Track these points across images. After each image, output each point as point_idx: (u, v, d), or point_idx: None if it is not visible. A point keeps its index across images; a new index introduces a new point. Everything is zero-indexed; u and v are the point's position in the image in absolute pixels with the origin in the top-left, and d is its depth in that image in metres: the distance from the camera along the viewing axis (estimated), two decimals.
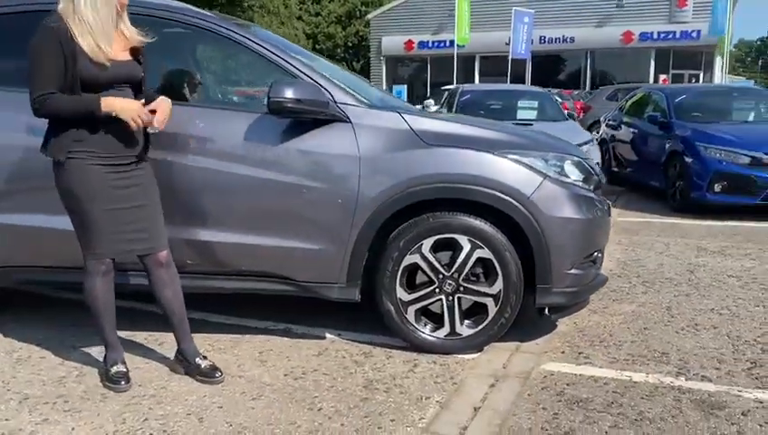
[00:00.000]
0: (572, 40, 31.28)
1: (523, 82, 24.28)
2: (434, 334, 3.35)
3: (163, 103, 2.84)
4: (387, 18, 34.67)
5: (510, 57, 23.11)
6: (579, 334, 3.69)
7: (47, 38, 2.64)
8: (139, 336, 3.54)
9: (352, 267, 3.30)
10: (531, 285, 3.31)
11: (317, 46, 38.75)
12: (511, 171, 3.23)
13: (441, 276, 3.29)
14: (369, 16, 35.40)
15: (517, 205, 3.20)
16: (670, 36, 30.21)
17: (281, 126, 3.23)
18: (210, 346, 3.45)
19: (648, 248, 5.84)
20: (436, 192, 3.23)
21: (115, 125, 2.73)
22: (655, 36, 30.40)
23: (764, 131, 7.76)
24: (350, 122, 3.25)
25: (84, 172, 2.73)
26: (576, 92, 24.64)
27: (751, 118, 8.69)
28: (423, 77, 34.49)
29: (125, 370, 2.98)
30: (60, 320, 3.77)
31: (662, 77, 30.26)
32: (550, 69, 33.29)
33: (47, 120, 2.76)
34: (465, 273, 3.28)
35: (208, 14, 3.52)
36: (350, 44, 39.24)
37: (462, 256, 3.26)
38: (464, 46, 24.37)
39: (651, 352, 3.42)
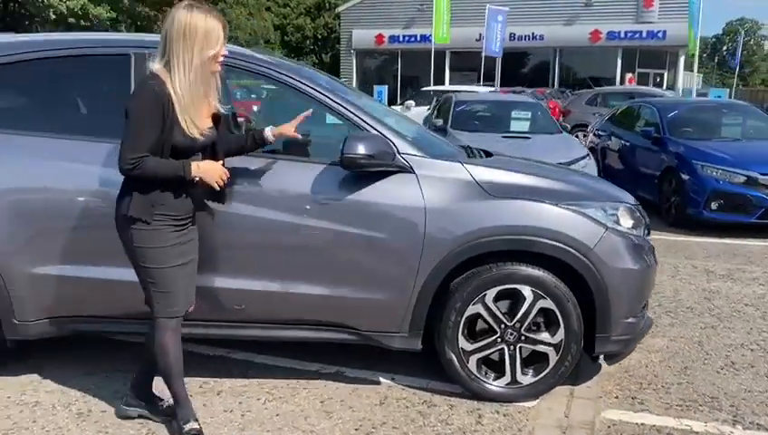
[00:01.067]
0: (541, 38, 31.62)
1: (493, 79, 24.41)
2: (495, 383, 3.38)
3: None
4: (357, 11, 34.50)
5: (483, 54, 23.28)
6: (625, 375, 3.77)
7: (153, 102, 2.60)
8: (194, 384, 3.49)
9: (415, 317, 3.31)
10: (588, 334, 3.37)
11: (285, 38, 38.37)
12: (574, 223, 3.27)
13: (503, 326, 3.32)
14: (340, 9, 35.14)
15: (580, 256, 3.25)
16: (637, 36, 30.79)
17: (345, 177, 3.21)
18: (269, 393, 3.43)
19: (659, 271, 5.95)
20: (501, 244, 3.25)
21: (192, 189, 2.76)
22: (622, 35, 30.94)
23: (757, 150, 7.99)
24: (414, 173, 3.25)
25: (162, 235, 2.74)
26: (548, 91, 24.91)
27: (739, 134, 8.91)
28: (393, 71, 34.47)
29: (198, 427, 2.95)
30: (101, 363, 3.69)
31: (628, 76, 30.85)
32: (518, 66, 33.62)
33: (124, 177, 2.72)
34: (527, 323, 3.32)
35: (271, 60, 3.47)
36: (320, 36, 38.94)
37: (525, 306, 3.29)
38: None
39: (701, 397, 3.52)
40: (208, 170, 2.74)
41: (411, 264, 3.23)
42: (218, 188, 2.79)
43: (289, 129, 3.04)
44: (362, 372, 3.70)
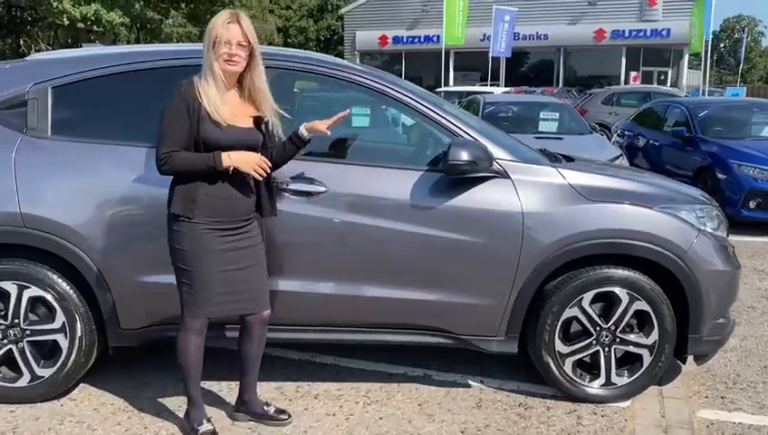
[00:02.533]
0: (546, 37, 31.75)
1: (498, 79, 24.48)
2: (591, 385, 3.42)
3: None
4: (361, 13, 34.59)
5: (490, 55, 23.35)
6: (708, 375, 3.82)
7: (177, 101, 2.77)
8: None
9: (512, 321, 3.35)
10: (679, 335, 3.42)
11: (288, 40, 38.38)
12: (669, 226, 3.32)
13: (598, 328, 3.37)
14: (343, 11, 35.23)
15: (676, 259, 3.30)
16: (641, 34, 30.94)
17: (443, 183, 3.25)
18: (365, 397, 3.47)
19: None
20: (598, 248, 3.30)
21: (232, 189, 2.81)
22: (626, 34, 31.08)
23: None
24: (510, 178, 3.29)
25: (198, 236, 2.80)
26: (556, 90, 24.99)
27: (765, 132, 8.96)
28: (396, 72, 34.52)
29: (212, 428, 3.01)
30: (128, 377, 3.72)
31: (633, 74, 31.01)
32: (523, 66, 33.76)
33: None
34: (622, 325, 3.36)
35: (363, 68, 3.51)
36: (323, 38, 38.98)
37: (621, 308, 3.34)
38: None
39: None
40: (242, 158, 2.77)
41: (509, 268, 3.28)
42: (259, 178, 2.82)
43: (321, 125, 2.99)
44: (450, 375, 3.74)
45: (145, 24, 21.29)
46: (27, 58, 3.53)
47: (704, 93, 22.41)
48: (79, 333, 3.26)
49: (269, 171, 2.87)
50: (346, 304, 3.30)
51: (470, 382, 3.67)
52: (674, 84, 30.90)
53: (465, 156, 3.11)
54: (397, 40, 33.70)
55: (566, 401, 3.44)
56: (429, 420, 3.26)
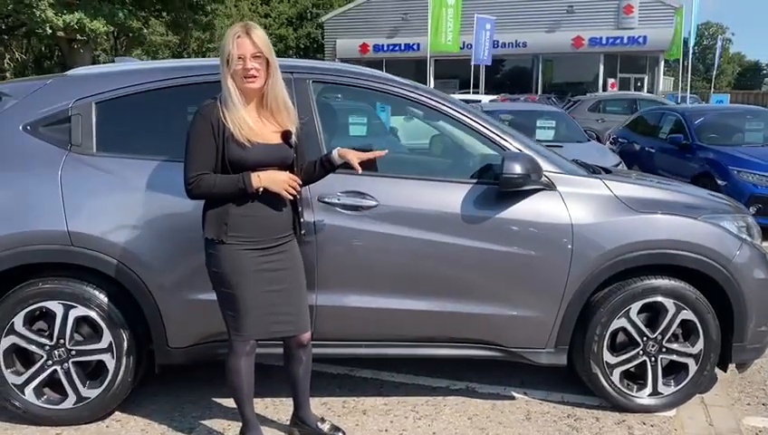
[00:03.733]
0: (524, 45, 32.01)
1: (477, 86, 24.64)
2: (638, 395, 3.45)
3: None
4: (341, 21, 34.59)
5: (472, 63, 23.50)
6: (744, 382, 3.87)
7: (200, 121, 2.70)
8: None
9: (561, 333, 3.36)
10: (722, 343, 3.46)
11: None
12: (714, 236, 3.36)
13: (645, 338, 3.39)
14: (323, 19, 35.20)
15: (721, 269, 3.34)
16: (618, 41, 31.33)
17: (493, 196, 3.26)
18: (413, 411, 3.45)
19: None
20: (646, 259, 3.32)
21: (264, 209, 2.74)
22: (603, 41, 31.45)
23: None
24: (557, 190, 3.31)
25: (233, 257, 2.74)
26: (537, 97, 25.21)
27: (762, 139, 9.13)
28: None
29: None
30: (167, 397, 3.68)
31: (610, 81, 31.43)
32: (502, 73, 34.03)
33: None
34: (668, 334, 3.39)
35: (407, 82, 3.50)
36: (302, 46, 38.89)
37: (667, 318, 3.37)
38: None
39: None
40: (270, 177, 2.69)
41: (560, 280, 3.29)
42: (290, 197, 2.75)
43: (354, 159, 2.86)
44: (493, 387, 3.74)
45: (127, 32, 21.03)
46: (68, 73, 3.46)
47: (682, 100, 22.78)
48: (126, 353, 3.21)
49: (299, 189, 2.80)
50: (397, 319, 3.28)
51: (514, 394, 3.67)
52: (650, 90, 31.38)
53: (519, 169, 3.12)
54: (377, 48, 33.74)
55: (612, 411, 3.46)
56: (483, 433, 3.26)
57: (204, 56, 34.66)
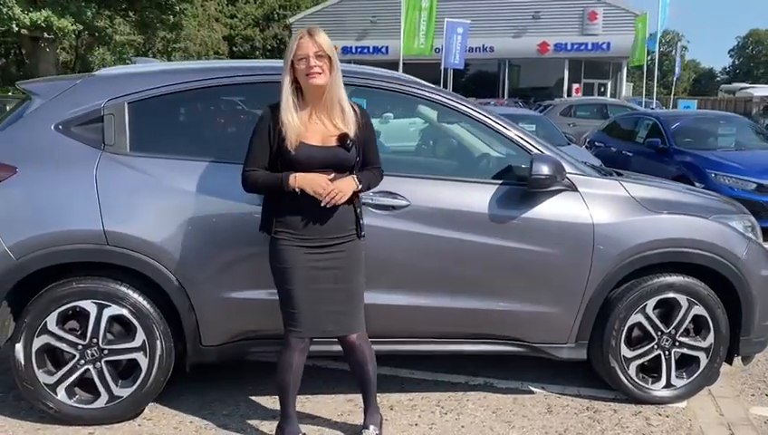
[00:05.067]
0: (492, 49, 32.47)
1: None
2: (653, 387, 3.60)
3: (339, 182, 2.80)
4: (308, 23, 34.36)
5: (443, 66, 23.74)
6: (745, 375, 4.06)
7: (260, 121, 2.87)
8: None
9: (582, 328, 3.49)
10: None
11: (234, 49, 37.99)
12: (725, 235, 3.54)
13: (660, 333, 3.55)
14: (291, 20, 35.15)
15: (732, 266, 3.51)
16: (582, 47, 32.04)
17: (517, 196, 3.37)
18: (438, 406, 3.54)
19: None
20: (662, 257, 3.47)
21: (313, 208, 2.78)
22: (568, 47, 32.13)
23: (762, 159, 8.52)
24: (578, 191, 3.44)
25: (281, 252, 2.84)
26: (506, 102, 25.60)
27: (733, 144, 9.49)
28: None
29: None
30: (264, 386, 3.72)
31: (575, 86, 32.06)
32: (467, 77, 34.39)
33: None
34: (682, 329, 3.55)
35: (434, 87, 3.60)
36: (269, 47, 38.72)
37: (681, 313, 3.53)
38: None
39: None
40: (306, 180, 2.74)
41: (581, 278, 3.42)
42: (323, 200, 2.73)
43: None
44: (510, 382, 3.85)
45: (93, 31, 20.70)
46: (97, 73, 3.47)
47: (646, 105, 23.39)
48: (159, 352, 3.23)
49: (335, 195, 2.75)
50: (426, 316, 3.37)
51: (532, 389, 3.79)
52: (612, 95, 32.11)
53: (547, 170, 3.24)
54: (345, 50, 33.76)
55: (628, 403, 3.61)
56: (509, 426, 3.36)
57: (169, 56, 34.23)
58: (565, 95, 30.12)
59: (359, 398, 3.55)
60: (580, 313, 3.46)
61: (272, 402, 3.54)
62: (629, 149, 10.10)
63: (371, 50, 33.40)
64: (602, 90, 33.32)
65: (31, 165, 3.15)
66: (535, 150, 3.44)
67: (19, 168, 3.13)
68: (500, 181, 3.43)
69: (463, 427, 3.35)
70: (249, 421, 3.35)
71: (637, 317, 3.52)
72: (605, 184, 3.55)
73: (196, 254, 3.17)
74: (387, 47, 31.91)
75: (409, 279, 3.33)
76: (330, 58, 2.77)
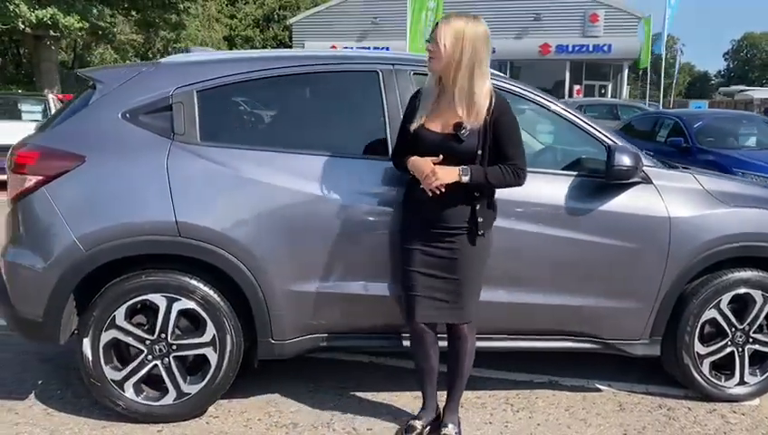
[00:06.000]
0: (493, 51, 32.06)
1: None
2: (726, 385, 3.53)
3: (441, 168, 2.75)
4: (309, 23, 34.43)
5: None
6: None
7: (408, 101, 2.97)
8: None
9: (657, 324, 3.42)
10: None
11: (234, 49, 37.86)
12: None
13: (733, 329, 3.48)
14: (292, 21, 34.99)
15: None
16: (584, 49, 31.98)
17: (594, 188, 3.30)
18: (508, 404, 3.46)
19: None
20: (737, 251, 3.40)
21: (424, 194, 2.78)
22: (570, 49, 32.08)
23: None
24: (653, 184, 3.37)
25: (405, 233, 2.94)
26: None
27: (755, 143, 9.46)
28: None
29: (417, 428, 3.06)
30: (324, 379, 3.64)
31: (576, 87, 32.06)
32: None
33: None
34: (756, 325, 3.48)
35: (507, 77, 3.52)
36: (269, 48, 38.59)
37: (755, 309, 3.46)
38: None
39: None
40: (415, 164, 2.79)
41: (657, 272, 3.34)
42: (428, 190, 2.73)
43: None
44: (576, 380, 3.77)
45: (98, 29, 20.55)
46: (163, 61, 3.36)
47: (650, 107, 23.41)
48: (229, 347, 3.13)
49: (432, 180, 2.71)
50: (501, 312, 3.29)
51: (598, 386, 3.71)
52: (613, 98, 32.12)
53: (628, 161, 3.16)
54: None
55: (699, 401, 3.53)
56: (585, 424, 3.29)
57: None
58: (566, 97, 30.11)
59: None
60: (656, 308, 3.39)
61: (338, 399, 3.45)
62: (650, 149, 9.99)
63: (372, 50, 33.26)
64: (603, 92, 33.33)
65: (99, 154, 3.05)
66: (610, 142, 3.37)
67: (87, 156, 3.03)
68: (573, 173, 3.35)
69: (538, 425, 3.26)
70: (320, 418, 3.26)
71: (711, 313, 3.45)
72: (679, 177, 3.48)
73: (270, 246, 3.08)
74: (388, 47, 31.75)
75: (492, 274, 3.23)
76: (445, 46, 2.71)
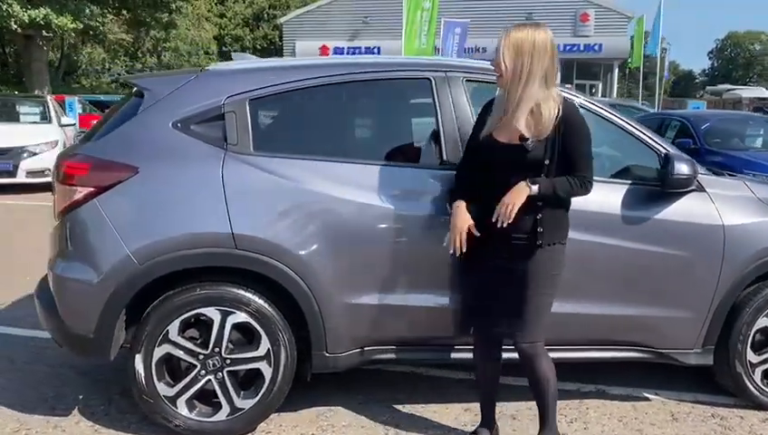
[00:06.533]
0: (485, 50, 32.39)
1: None
2: None
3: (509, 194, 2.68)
4: (300, 23, 34.30)
5: None
6: None
7: (479, 115, 2.95)
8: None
9: (710, 333, 3.39)
10: None
11: (224, 48, 37.56)
12: None
13: None
14: (282, 20, 34.82)
15: None
16: (575, 49, 32.10)
17: (647, 197, 3.26)
18: (560, 414, 3.40)
19: None
20: None
21: (491, 203, 2.71)
22: (561, 48, 31.88)
23: None
24: (706, 192, 3.34)
25: (475, 242, 2.81)
26: None
27: (761, 144, 9.52)
28: None
29: None
30: (374, 392, 3.58)
31: (567, 86, 32.14)
32: None
33: None
34: None
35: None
36: (259, 47, 38.39)
37: None
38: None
39: None
40: (453, 217, 2.83)
41: (711, 281, 3.32)
42: (503, 220, 2.66)
43: None
44: (623, 389, 3.74)
45: (89, 29, 20.30)
46: (210, 68, 3.28)
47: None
48: (283, 360, 3.07)
49: (507, 212, 2.65)
50: (563, 322, 3.23)
51: (646, 395, 3.68)
52: (603, 96, 32.28)
53: (686, 170, 3.14)
54: (338, 51, 33.53)
55: (751, 409, 3.51)
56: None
57: (159, 56, 33.79)
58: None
59: (476, 406, 3.44)
60: (709, 317, 3.36)
61: (389, 412, 3.40)
62: None
63: (363, 50, 33.14)
64: (593, 91, 33.46)
65: (152, 165, 2.98)
66: (666, 149, 3.33)
67: (140, 168, 2.95)
68: (626, 181, 3.32)
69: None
70: (374, 432, 3.21)
71: (764, 321, 3.43)
72: (731, 184, 3.46)
73: (326, 258, 3.02)
74: (379, 48, 31.74)
75: None
76: (505, 61, 2.67)
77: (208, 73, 3.24)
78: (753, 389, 3.48)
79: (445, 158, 3.13)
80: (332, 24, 33.42)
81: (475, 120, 2.95)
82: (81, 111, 18.64)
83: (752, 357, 3.45)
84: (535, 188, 2.66)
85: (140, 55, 32.33)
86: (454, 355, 3.27)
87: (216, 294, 2.99)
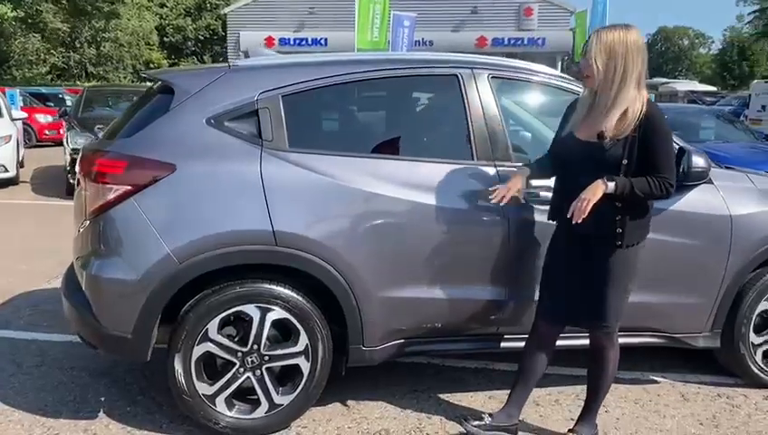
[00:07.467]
0: (431, 43, 32.61)
1: None
2: None
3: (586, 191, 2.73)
4: (244, 13, 33.75)
5: None
6: None
7: (564, 114, 3.01)
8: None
9: (717, 317, 3.59)
10: None
11: (165, 39, 36.69)
12: None
13: None
14: (226, 10, 34.19)
15: None
16: (519, 42, 32.73)
17: None
18: (579, 399, 3.50)
19: None
20: None
21: (570, 199, 2.76)
22: (506, 42, 32.75)
23: (754, 150, 8.97)
24: (714, 184, 3.52)
25: (554, 232, 3.02)
26: None
27: (713, 136, 9.94)
28: None
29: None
30: (403, 384, 3.63)
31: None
32: None
33: None
34: None
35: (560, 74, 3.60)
36: (201, 38, 37.63)
37: None
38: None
39: None
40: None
41: (720, 268, 3.51)
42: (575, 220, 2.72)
43: None
44: (630, 373, 3.89)
45: (28, 18, 19.53)
46: (239, 63, 3.26)
47: None
48: (321, 355, 3.09)
49: (582, 209, 2.69)
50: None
51: (654, 378, 3.86)
52: None
53: (702, 163, 3.30)
54: (283, 41, 33.13)
55: (752, 388, 3.72)
56: (660, 416, 3.42)
57: (98, 46, 32.66)
58: None
59: (499, 394, 3.55)
60: (718, 302, 3.55)
61: (416, 403, 3.46)
62: None
63: (310, 42, 32.87)
64: None
65: (189, 162, 2.94)
66: (681, 144, 3.48)
67: (177, 165, 2.91)
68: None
69: (618, 419, 3.37)
70: (408, 424, 3.27)
71: (765, 305, 3.64)
72: (736, 177, 3.66)
73: (364, 253, 3.05)
74: (325, 39, 31.53)
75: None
76: (595, 62, 2.68)
77: (239, 69, 3.22)
78: (754, 369, 3.69)
79: (475, 153, 3.19)
80: (278, 15, 33.00)
81: (561, 118, 3.02)
82: (22, 103, 17.96)
83: (754, 338, 3.66)
84: (612, 185, 2.68)
85: (78, 45, 31.18)
86: (503, 345, 3.38)
87: (255, 291, 2.98)
